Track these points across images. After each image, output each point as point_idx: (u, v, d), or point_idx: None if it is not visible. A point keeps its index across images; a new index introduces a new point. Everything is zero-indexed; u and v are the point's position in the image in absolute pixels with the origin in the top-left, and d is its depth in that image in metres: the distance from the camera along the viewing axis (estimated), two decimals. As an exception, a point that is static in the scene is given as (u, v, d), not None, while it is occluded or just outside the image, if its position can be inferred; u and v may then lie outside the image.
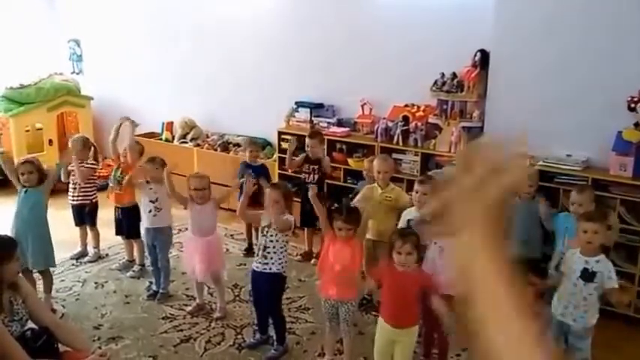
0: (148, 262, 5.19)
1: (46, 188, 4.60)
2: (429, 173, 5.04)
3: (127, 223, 5.24)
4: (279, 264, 3.96)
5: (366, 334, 4.32)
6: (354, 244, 3.69)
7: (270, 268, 3.95)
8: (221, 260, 4.66)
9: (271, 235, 3.91)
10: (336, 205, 4.54)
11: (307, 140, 5.58)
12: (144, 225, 4.85)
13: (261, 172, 5.61)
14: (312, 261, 5.55)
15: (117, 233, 5.43)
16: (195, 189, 4.44)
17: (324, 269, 3.81)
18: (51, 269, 4.75)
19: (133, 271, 5.29)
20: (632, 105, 4.55)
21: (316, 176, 5.58)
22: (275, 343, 4.11)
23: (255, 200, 5.62)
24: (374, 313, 4.57)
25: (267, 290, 4.04)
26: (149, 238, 4.85)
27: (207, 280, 4.69)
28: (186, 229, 6.41)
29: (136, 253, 5.37)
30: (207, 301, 4.75)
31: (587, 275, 3.48)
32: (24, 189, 4.53)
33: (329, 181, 5.92)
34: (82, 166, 5.39)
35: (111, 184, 5.33)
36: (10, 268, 2.99)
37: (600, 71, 4.75)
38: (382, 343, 3.51)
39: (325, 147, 5.95)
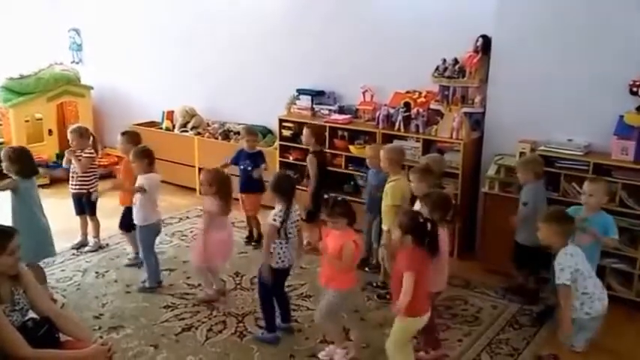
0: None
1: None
2: (423, 160, 4.97)
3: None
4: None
5: (367, 321, 4.33)
6: (345, 236, 3.63)
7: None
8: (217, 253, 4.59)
9: None
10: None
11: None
12: None
13: (257, 158, 5.60)
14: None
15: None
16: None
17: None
18: (48, 260, 4.73)
19: (129, 259, 5.31)
20: (634, 89, 4.53)
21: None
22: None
23: (254, 188, 5.63)
24: (379, 299, 4.65)
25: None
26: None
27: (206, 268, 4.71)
28: (187, 217, 6.47)
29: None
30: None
31: None
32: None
33: (330, 168, 5.90)
34: (80, 156, 5.37)
35: None
36: (3, 260, 2.92)
37: (602, 56, 4.71)
38: None
39: (327, 134, 5.94)
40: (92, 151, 5.47)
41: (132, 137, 5.23)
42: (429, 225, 3.41)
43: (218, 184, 4.46)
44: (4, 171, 4.55)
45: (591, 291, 3.48)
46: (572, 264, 3.42)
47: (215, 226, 4.49)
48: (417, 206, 4.10)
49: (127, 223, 5.13)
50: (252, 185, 5.60)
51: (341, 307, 3.84)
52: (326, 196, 4.03)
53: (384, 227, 4.56)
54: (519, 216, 4.49)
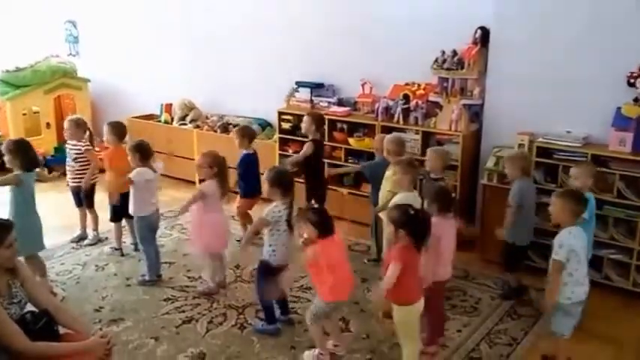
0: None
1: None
2: (429, 153, 4.93)
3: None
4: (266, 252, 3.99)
5: (367, 312, 4.35)
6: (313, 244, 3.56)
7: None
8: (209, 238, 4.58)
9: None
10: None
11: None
12: None
13: (247, 160, 5.41)
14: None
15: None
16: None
17: None
18: (48, 253, 4.71)
19: (111, 247, 5.42)
20: (632, 80, 4.55)
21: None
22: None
23: (248, 191, 5.56)
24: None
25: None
26: None
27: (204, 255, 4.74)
28: (187, 210, 6.44)
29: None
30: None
31: None
32: None
33: (329, 161, 5.91)
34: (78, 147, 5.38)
35: None
36: (0, 253, 2.92)
37: (600, 47, 4.71)
38: None
39: (326, 127, 5.92)
40: (88, 144, 5.45)
41: (116, 128, 5.26)
42: (420, 215, 3.35)
43: (218, 166, 4.46)
44: (7, 164, 4.54)
45: (578, 275, 3.51)
46: (571, 243, 3.45)
47: (213, 209, 4.49)
48: (397, 198, 4.10)
49: (114, 214, 5.28)
50: (245, 187, 5.47)
51: (327, 314, 3.68)
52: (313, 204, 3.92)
53: (382, 216, 4.56)
54: (508, 215, 4.45)
